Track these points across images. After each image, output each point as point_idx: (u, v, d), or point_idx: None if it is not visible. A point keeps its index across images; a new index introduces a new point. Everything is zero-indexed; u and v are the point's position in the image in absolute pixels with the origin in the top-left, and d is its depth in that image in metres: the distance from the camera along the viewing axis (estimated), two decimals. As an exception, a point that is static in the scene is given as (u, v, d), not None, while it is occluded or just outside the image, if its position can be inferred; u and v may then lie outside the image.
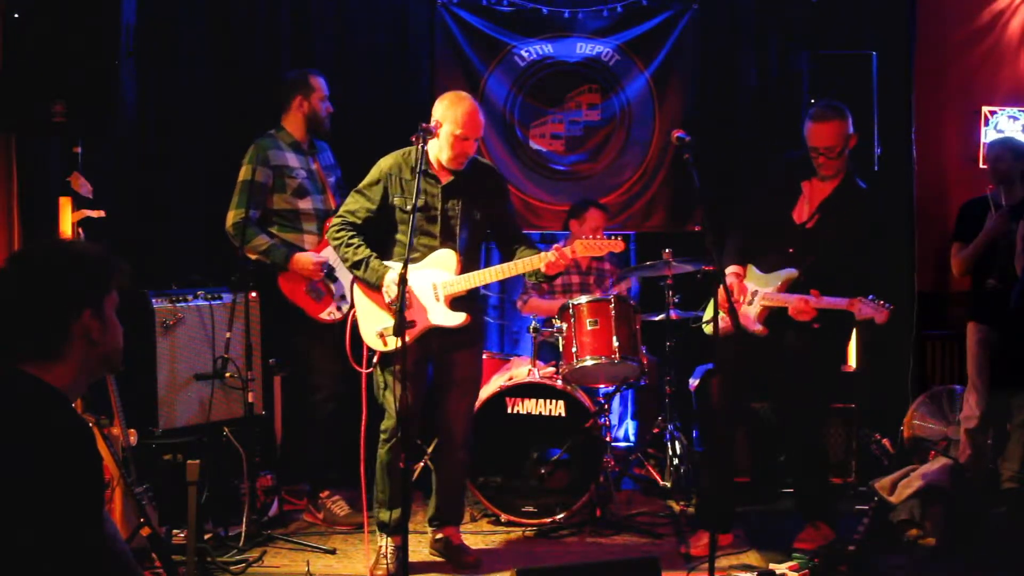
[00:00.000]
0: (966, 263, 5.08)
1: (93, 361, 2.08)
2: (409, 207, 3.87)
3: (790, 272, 4.21)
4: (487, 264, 4.48)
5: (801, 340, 4.20)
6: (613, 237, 4.14)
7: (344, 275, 4.69)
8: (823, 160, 4.19)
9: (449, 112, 4.04)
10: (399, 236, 4.12)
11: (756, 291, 4.28)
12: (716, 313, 3.80)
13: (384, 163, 4.18)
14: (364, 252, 4.07)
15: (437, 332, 4.09)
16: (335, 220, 4.19)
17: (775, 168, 4.52)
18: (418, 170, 3.89)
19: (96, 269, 2.09)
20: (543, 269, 4.05)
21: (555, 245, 4.07)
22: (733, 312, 3.69)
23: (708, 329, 4.42)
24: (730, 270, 4.33)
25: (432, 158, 4.12)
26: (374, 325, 4.07)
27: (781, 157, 4.51)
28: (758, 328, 4.24)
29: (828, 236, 4.18)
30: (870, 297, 3.99)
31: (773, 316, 4.22)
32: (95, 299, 2.07)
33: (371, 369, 4.08)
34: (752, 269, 4.37)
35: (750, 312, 4.27)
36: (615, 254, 5.27)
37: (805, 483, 4.47)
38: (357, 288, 4.17)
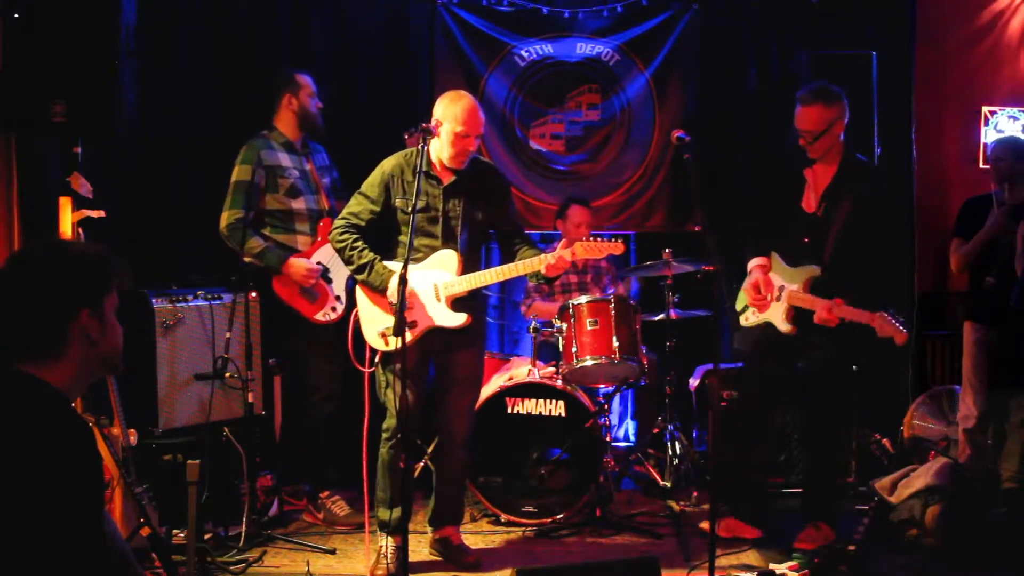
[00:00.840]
0: (965, 259, 5.09)
1: (92, 361, 2.08)
2: (411, 208, 3.87)
3: (812, 268, 4.25)
4: (488, 264, 4.48)
5: (831, 342, 4.23)
6: (613, 239, 4.13)
7: (338, 275, 4.69)
8: (803, 144, 4.26)
9: (449, 110, 4.04)
10: (401, 237, 4.12)
11: (782, 287, 4.32)
12: (721, 308, 3.83)
13: (387, 164, 4.18)
14: (368, 256, 4.07)
15: (438, 332, 4.09)
16: (338, 222, 4.18)
17: (777, 158, 4.57)
18: (419, 170, 3.88)
19: (95, 269, 2.09)
20: (543, 271, 4.05)
21: (558, 246, 4.07)
22: (719, 307, 3.74)
23: (743, 321, 4.51)
24: (754, 263, 4.39)
25: (434, 158, 4.13)
26: (376, 325, 4.07)
27: (783, 145, 4.54)
28: (787, 328, 4.28)
29: (838, 222, 4.23)
30: (891, 311, 4.00)
31: (799, 315, 4.26)
32: (93, 299, 2.07)
33: (373, 368, 4.08)
34: (777, 260, 4.40)
35: (778, 310, 4.31)
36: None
37: (816, 483, 4.48)
38: (359, 289, 4.17)
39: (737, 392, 4.98)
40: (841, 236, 4.21)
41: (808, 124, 4.21)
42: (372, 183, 4.16)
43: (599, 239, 4.11)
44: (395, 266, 3.99)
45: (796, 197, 4.34)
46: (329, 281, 4.72)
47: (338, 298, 4.72)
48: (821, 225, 4.27)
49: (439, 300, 4.08)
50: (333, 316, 4.69)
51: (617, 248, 4.11)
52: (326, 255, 4.66)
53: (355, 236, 4.12)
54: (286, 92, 4.81)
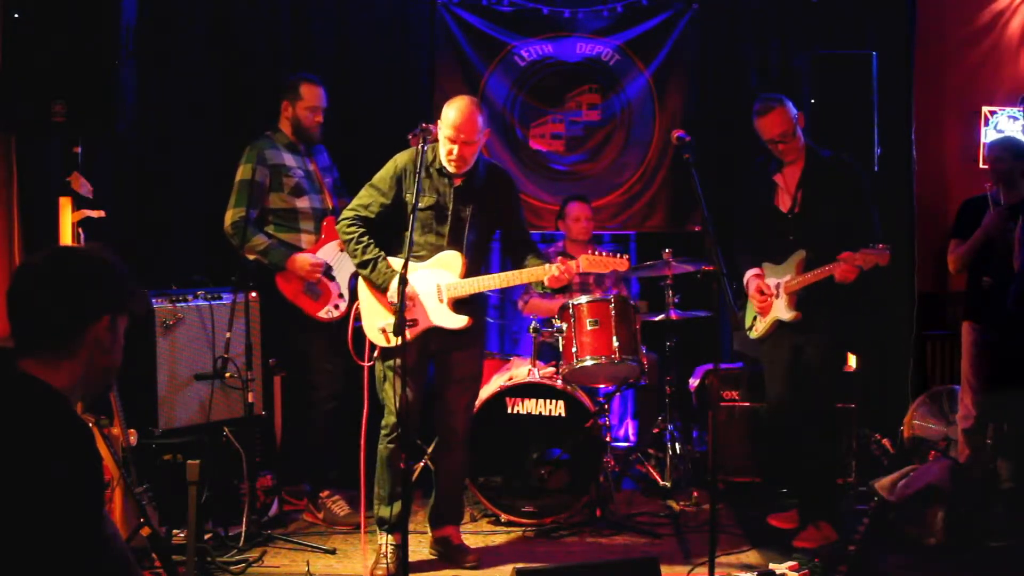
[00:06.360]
0: (962, 260, 5.09)
1: (94, 370, 2.09)
2: (414, 206, 3.87)
3: (800, 252, 4.40)
4: (488, 265, 4.48)
5: (831, 324, 4.38)
6: (619, 255, 4.13)
7: (342, 273, 4.69)
8: (782, 147, 4.42)
9: (444, 114, 4.04)
10: (407, 234, 4.11)
11: (778, 283, 4.47)
12: (721, 308, 3.88)
13: (399, 159, 4.17)
14: (373, 252, 4.07)
15: (438, 332, 4.10)
16: (346, 213, 4.18)
17: (753, 170, 4.71)
18: (419, 170, 3.88)
19: (126, 283, 2.14)
20: (547, 282, 4.06)
21: (559, 258, 4.06)
22: (719, 307, 3.79)
23: (753, 334, 4.62)
24: (749, 274, 4.55)
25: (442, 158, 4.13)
26: (377, 320, 4.07)
27: (755, 161, 4.65)
28: (792, 315, 4.41)
29: (816, 213, 4.40)
30: (870, 245, 4.14)
31: (801, 300, 4.39)
32: (116, 308, 2.11)
33: (372, 362, 4.08)
34: (767, 266, 4.55)
35: (780, 304, 4.45)
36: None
37: (814, 481, 4.48)
38: (362, 283, 4.17)
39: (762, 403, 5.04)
40: (821, 224, 4.37)
41: (777, 128, 4.38)
42: (384, 176, 4.15)
43: (605, 253, 4.11)
44: (399, 263, 3.99)
45: (771, 201, 4.52)
46: (332, 279, 4.72)
47: (341, 296, 4.72)
48: (800, 220, 4.44)
49: (441, 301, 4.08)
50: (336, 314, 4.69)
51: (622, 264, 4.11)
52: (330, 253, 4.67)
53: (362, 230, 4.11)
54: (285, 99, 4.82)
